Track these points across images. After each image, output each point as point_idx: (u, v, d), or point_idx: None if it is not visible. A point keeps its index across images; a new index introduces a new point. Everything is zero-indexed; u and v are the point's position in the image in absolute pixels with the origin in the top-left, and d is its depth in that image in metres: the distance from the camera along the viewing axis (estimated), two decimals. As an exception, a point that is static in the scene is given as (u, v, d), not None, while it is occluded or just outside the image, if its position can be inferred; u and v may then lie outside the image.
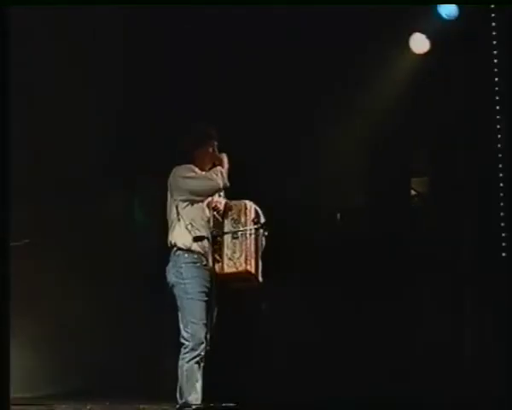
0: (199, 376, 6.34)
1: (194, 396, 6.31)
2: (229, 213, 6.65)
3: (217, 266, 6.42)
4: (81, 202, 9.47)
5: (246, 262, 6.44)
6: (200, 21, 9.41)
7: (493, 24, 8.12)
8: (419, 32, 8.72)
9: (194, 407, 6.34)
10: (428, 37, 8.68)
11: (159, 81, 9.77)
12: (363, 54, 8.87)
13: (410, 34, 8.78)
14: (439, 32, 8.55)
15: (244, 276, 6.52)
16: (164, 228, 6.71)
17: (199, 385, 6.36)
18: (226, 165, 6.74)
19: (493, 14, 8.08)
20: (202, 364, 6.36)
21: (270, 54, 9.44)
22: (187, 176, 6.60)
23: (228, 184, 6.64)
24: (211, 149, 6.80)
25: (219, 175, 6.58)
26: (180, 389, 6.34)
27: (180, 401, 6.33)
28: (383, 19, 8.54)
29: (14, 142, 8.17)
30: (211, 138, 6.84)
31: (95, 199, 9.68)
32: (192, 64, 9.60)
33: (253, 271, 6.52)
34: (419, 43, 8.74)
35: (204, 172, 6.70)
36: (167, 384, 6.78)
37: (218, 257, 6.43)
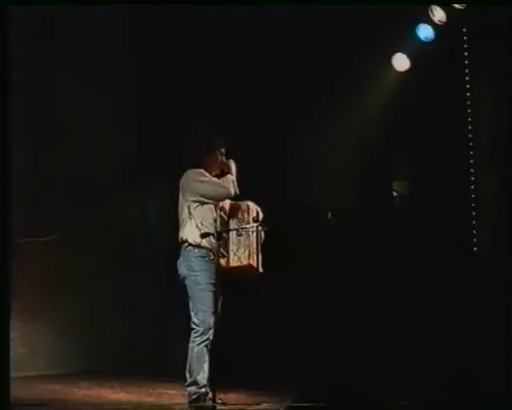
0: (207, 358, 6.89)
1: (202, 375, 6.90)
2: (234, 213, 7.18)
3: (223, 261, 6.90)
4: (102, 202, 9.75)
5: (249, 257, 6.98)
6: (200, 22, 9.48)
7: (465, 46, 8.76)
8: (400, 52, 9.23)
9: (201, 384, 6.90)
10: (409, 56, 9.21)
11: (159, 82, 9.80)
12: (352, 69, 9.28)
13: (392, 54, 9.29)
14: (418, 53, 9.07)
15: (247, 269, 7.04)
16: (174, 226, 7.15)
17: (206, 366, 6.90)
18: (234, 172, 7.18)
19: (465, 37, 8.73)
20: (209, 347, 6.89)
21: (268, 55, 9.64)
22: (200, 179, 7.07)
23: (238, 193, 7.10)
24: (219, 157, 7.26)
25: (231, 184, 7.03)
26: (190, 368, 6.93)
27: (189, 380, 6.93)
28: (370, 39, 9.01)
29: (39, 145, 8.89)
30: (220, 146, 7.29)
31: (115, 200, 9.91)
32: (192, 64, 9.68)
33: (255, 265, 7.02)
34: (400, 62, 9.26)
35: (217, 179, 7.13)
36: (176, 364, 7.33)
37: (224, 252, 6.93)
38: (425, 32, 8.97)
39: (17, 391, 7.06)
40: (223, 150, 7.35)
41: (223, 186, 7.09)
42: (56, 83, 9.35)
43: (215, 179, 7.17)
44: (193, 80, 9.72)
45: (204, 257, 7.01)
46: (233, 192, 7.09)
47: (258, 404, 7.51)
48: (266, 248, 7.69)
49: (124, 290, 9.78)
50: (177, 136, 9.45)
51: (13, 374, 7.27)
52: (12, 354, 7.32)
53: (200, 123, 8.37)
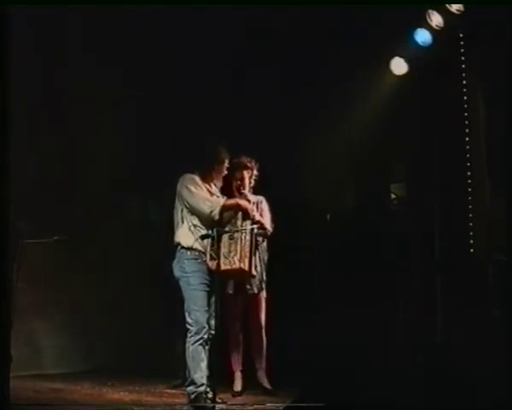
0: (203, 356, 7.05)
1: (200, 374, 7.06)
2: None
3: (214, 264, 6.92)
4: (105, 203, 9.87)
5: (240, 261, 7.00)
6: (203, 26, 9.38)
7: (462, 50, 8.76)
8: (398, 56, 9.25)
9: (199, 383, 7.02)
10: (406, 60, 9.24)
11: (163, 83, 9.71)
12: (350, 73, 9.22)
13: (390, 58, 9.31)
14: (416, 57, 9.10)
15: (238, 272, 7.13)
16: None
17: (204, 365, 7.07)
18: (240, 203, 7.32)
19: (462, 42, 8.73)
20: (207, 347, 7.05)
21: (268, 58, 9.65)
22: (190, 189, 7.21)
23: (215, 218, 7.10)
24: (224, 169, 7.45)
25: (214, 205, 7.14)
26: (187, 368, 7.09)
27: (188, 379, 7.12)
28: (369, 44, 9.01)
29: (40, 146, 9.01)
30: (224, 157, 7.46)
31: (118, 201, 10.06)
32: (195, 65, 9.63)
33: (246, 269, 7.06)
34: (398, 66, 9.27)
35: (206, 195, 7.23)
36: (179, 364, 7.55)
37: (214, 255, 6.91)
38: (422, 36, 8.98)
39: (20, 390, 7.32)
40: (227, 160, 7.48)
41: (203, 202, 7.20)
42: (57, 83, 9.44)
43: (203, 194, 7.27)
44: (196, 80, 9.74)
45: (196, 259, 7.16)
46: (207, 213, 7.16)
47: (258, 404, 7.61)
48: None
49: (125, 290, 9.84)
50: (181, 138, 9.58)
51: (17, 373, 7.52)
52: (16, 354, 7.53)
53: (208, 138, 8.34)
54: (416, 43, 9.03)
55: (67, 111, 9.53)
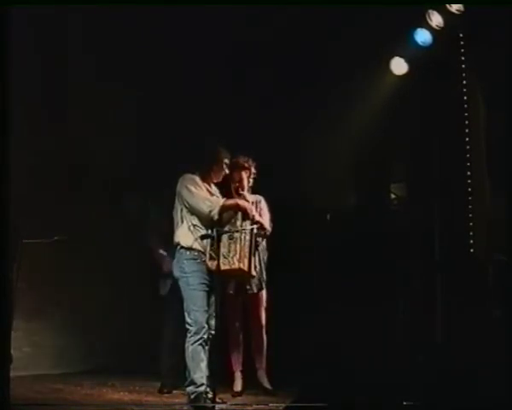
0: (203, 356, 7.02)
1: (199, 374, 7.03)
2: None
3: (214, 264, 6.93)
4: (105, 203, 9.86)
5: (239, 261, 6.99)
6: (203, 26, 9.40)
7: (462, 50, 8.75)
8: (398, 56, 9.23)
9: (199, 383, 7.00)
10: (406, 60, 9.22)
11: (163, 82, 9.71)
12: (350, 74, 9.20)
13: (390, 58, 9.28)
14: (416, 57, 9.08)
15: (238, 273, 7.11)
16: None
17: (203, 365, 7.04)
18: (240, 204, 7.30)
19: (462, 42, 8.72)
20: (207, 347, 7.04)
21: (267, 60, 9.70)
22: (190, 189, 7.22)
23: (215, 218, 7.11)
24: (224, 168, 7.46)
25: (214, 205, 7.15)
26: (187, 368, 7.07)
27: (187, 380, 7.09)
28: (370, 44, 8.98)
29: (40, 145, 9.01)
30: (224, 157, 7.47)
31: (118, 201, 9.97)
32: (195, 64, 9.66)
33: (245, 269, 7.05)
34: (398, 66, 9.26)
35: (206, 195, 7.25)
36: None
37: (213, 255, 6.92)
38: (422, 36, 8.96)
39: (20, 390, 7.28)
40: (226, 161, 7.48)
41: (203, 202, 7.21)
42: (57, 83, 9.41)
43: (203, 194, 7.28)
44: (196, 80, 9.76)
45: (195, 259, 7.16)
46: (206, 213, 7.17)
47: (258, 404, 7.59)
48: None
49: (125, 290, 9.87)
50: (181, 138, 9.61)
51: (17, 373, 7.52)
52: (16, 354, 7.55)
53: (208, 138, 8.36)
54: (416, 43, 9.01)
55: (67, 111, 9.53)
